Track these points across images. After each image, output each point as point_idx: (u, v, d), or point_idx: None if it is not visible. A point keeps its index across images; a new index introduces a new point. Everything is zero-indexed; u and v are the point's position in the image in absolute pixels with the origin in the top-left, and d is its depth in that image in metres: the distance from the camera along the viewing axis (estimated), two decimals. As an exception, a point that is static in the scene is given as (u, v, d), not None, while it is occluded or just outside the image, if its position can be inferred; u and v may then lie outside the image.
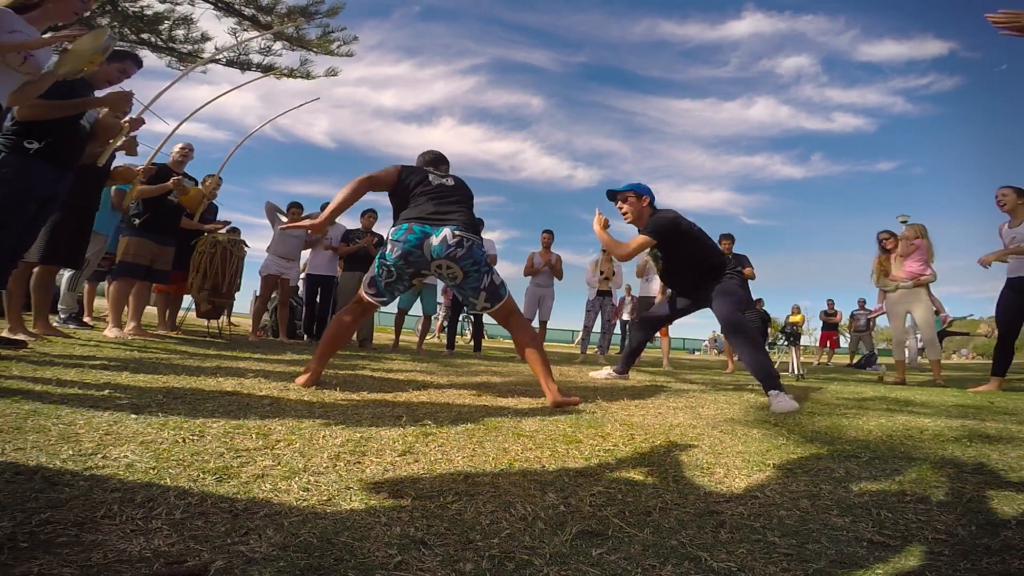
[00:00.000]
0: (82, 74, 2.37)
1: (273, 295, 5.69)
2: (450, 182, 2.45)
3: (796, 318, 11.39)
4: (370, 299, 2.34)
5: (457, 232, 2.21)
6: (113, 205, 4.13)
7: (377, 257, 2.30)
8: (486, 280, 2.31)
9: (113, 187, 4.00)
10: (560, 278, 6.24)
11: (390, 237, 2.26)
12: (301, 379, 2.26)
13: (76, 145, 2.80)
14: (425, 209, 2.28)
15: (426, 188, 2.36)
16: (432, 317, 6.26)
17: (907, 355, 4.97)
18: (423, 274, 2.32)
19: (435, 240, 2.18)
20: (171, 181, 4.11)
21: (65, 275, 4.18)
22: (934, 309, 5.08)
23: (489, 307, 2.37)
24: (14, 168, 2.50)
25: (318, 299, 5.84)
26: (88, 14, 6.81)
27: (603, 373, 3.68)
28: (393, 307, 5.93)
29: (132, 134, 3.22)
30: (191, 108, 4.31)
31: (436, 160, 2.67)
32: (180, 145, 4.43)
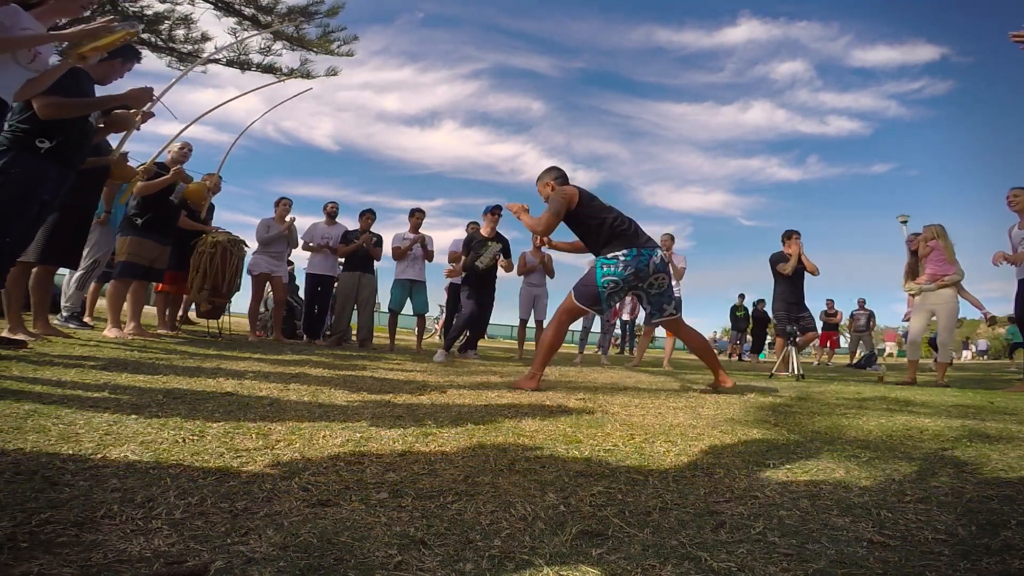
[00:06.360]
0: (85, 60, 2.35)
1: (268, 293, 5.69)
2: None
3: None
4: (587, 309, 2.87)
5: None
6: (105, 201, 4.07)
7: (604, 276, 2.76)
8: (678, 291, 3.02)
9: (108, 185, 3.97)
10: (552, 276, 6.26)
11: (623, 258, 2.75)
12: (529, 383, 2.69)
13: (84, 145, 2.79)
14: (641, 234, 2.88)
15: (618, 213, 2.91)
16: (434, 318, 6.24)
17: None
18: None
19: (656, 259, 2.81)
20: (172, 171, 4.12)
21: (76, 273, 4.13)
22: (983, 311, 5.09)
23: (676, 313, 3.01)
24: (22, 168, 2.46)
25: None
26: (89, 13, 6.81)
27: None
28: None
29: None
30: (194, 110, 4.35)
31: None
32: (179, 144, 4.43)
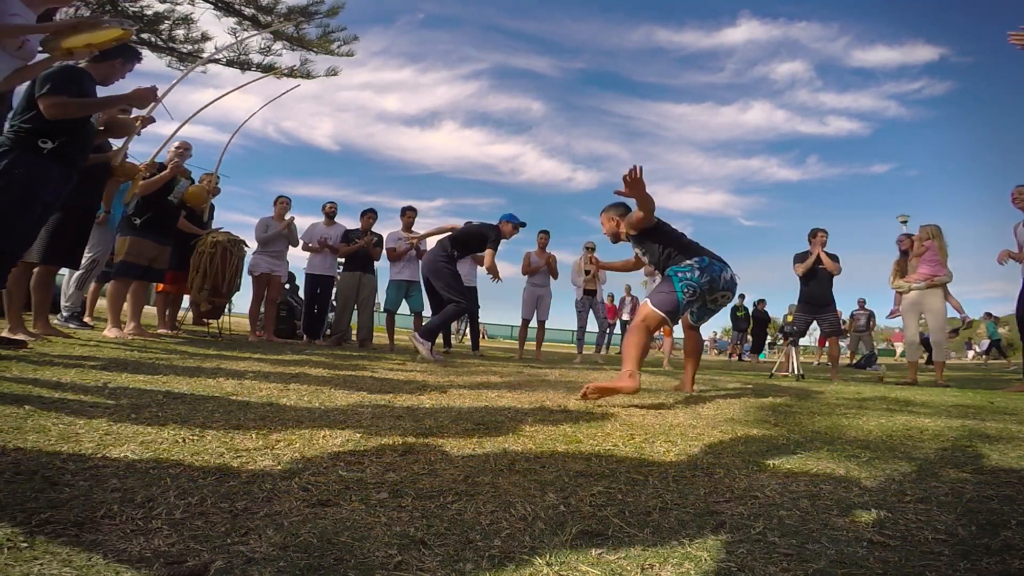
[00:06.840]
0: (72, 56, 2.33)
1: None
2: None
3: (791, 319, 11.44)
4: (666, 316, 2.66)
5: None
6: (104, 202, 4.05)
7: (681, 281, 2.62)
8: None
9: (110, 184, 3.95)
10: (555, 277, 6.26)
11: (697, 265, 2.65)
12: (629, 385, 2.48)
13: (87, 145, 2.79)
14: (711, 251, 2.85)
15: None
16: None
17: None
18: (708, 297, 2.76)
19: (727, 275, 2.74)
20: (170, 167, 4.11)
21: (76, 273, 4.11)
22: (961, 315, 5.10)
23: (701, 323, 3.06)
24: (25, 169, 2.45)
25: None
26: (90, 12, 6.81)
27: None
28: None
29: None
30: (194, 111, 4.31)
31: None
32: (177, 144, 4.43)
